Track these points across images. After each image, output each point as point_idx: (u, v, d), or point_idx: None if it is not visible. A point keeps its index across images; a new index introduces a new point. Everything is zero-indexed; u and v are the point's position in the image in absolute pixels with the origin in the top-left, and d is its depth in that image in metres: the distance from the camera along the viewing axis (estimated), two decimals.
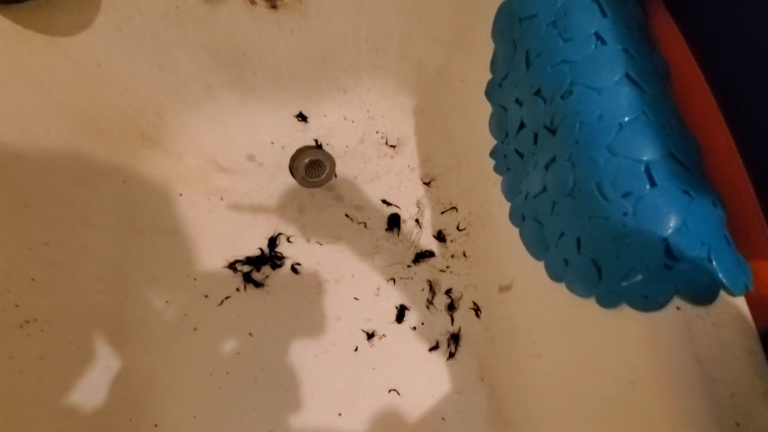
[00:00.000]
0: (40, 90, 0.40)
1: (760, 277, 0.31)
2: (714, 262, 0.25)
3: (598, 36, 0.30)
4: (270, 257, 0.54)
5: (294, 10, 0.47)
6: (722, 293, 0.25)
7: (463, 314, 0.52)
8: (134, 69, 0.47)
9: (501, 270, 0.46)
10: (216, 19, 0.47)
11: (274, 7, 0.47)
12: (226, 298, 0.52)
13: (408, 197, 0.58)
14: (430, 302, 0.53)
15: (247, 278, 0.52)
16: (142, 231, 0.51)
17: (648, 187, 0.26)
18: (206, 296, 0.51)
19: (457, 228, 0.55)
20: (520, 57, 0.35)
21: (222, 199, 0.57)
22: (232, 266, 0.53)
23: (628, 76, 0.29)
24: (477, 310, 0.51)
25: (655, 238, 0.26)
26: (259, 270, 0.53)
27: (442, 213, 0.57)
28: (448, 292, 0.53)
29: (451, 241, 0.55)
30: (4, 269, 0.34)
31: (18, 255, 0.36)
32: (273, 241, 0.55)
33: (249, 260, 0.53)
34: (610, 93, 0.29)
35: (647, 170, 0.27)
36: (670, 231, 0.25)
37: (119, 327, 0.46)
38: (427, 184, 0.59)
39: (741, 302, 0.25)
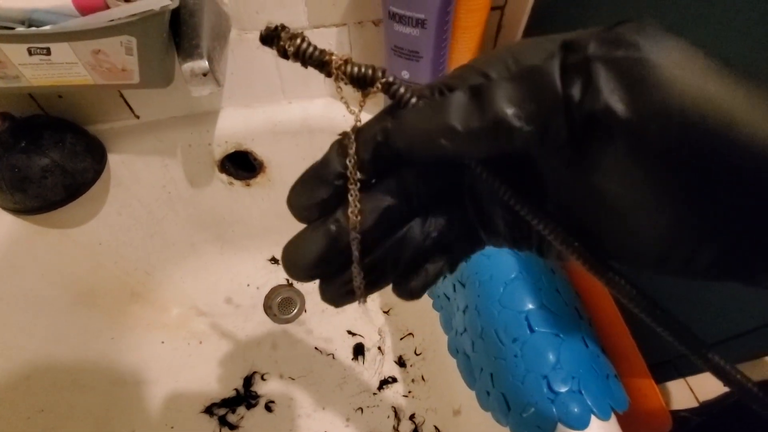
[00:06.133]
0: (49, 271, 0.48)
1: (643, 393, 0.39)
2: (583, 393, 0.32)
3: None
4: (245, 397, 0.58)
5: (264, 185, 0.59)
6: (593, 417, 0.32)
7: None
8: (129, 241, 0.56)
9: (452, 395, 0.52)
10: (200, 197, 0.58)
11: (248, 185, 0.58)
12: None
13: (370, 326, 0.65)
14: (396, 429, 0.57)
15: (222, 421, 0.56)
16: (125, 383, 0.55)
17: (528, 332, 0.35)
18: None
19: (415, 353, 0.61)
20: None
21: (201, 342, 0.63)
22: (208, 410, 0.57)
23: None
24: None
25: (538, 376, 0.33)
26: (234, 412, 0.57)
27: (401, 339, 0.63)
28: (411, 417, 0.57)
29: (411, 366, 0.61)
30: None
31: (18, 424, 0.40)
32: (248, 381, 0.60)
33: (224, 402, 0.57)
34: (496, 258, 0.39)
35: (527, 319, 0.35)
36: (548, 369, 0.33)
37: None
38: (386, 312, 0.66)
39: (612, 422, 0.32)
